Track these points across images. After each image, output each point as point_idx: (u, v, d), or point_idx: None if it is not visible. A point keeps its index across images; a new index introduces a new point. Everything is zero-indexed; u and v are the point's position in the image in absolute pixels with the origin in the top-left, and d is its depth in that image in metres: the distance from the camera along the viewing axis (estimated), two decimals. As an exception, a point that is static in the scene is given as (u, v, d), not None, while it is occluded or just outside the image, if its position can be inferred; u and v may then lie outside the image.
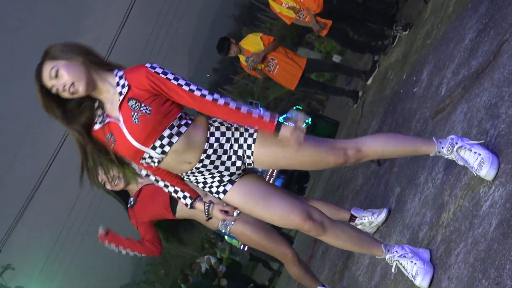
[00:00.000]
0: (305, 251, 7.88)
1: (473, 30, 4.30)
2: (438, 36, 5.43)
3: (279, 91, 23.94)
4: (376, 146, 3.02)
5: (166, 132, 2.84)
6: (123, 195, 4.45)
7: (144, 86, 2.84)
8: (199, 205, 3.09)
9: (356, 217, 4.51)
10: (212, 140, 2.92)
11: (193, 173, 2.97)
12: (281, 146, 2.90)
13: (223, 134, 2.93)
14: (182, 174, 3.01)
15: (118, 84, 2.87)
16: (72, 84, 2.80)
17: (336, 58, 17.41)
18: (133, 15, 17.26)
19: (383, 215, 4.39)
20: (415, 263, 3.00)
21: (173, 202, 4.30)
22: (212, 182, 3.00)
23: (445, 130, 3.85)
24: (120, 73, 2.89)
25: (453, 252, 2.82)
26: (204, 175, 2.98)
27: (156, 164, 2.92)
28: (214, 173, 2.98)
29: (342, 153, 2.96)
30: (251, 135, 2.93)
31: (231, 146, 2.93)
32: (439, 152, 3.02)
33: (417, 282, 2.95)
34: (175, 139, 2.86)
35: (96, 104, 2.93)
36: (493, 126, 3.04)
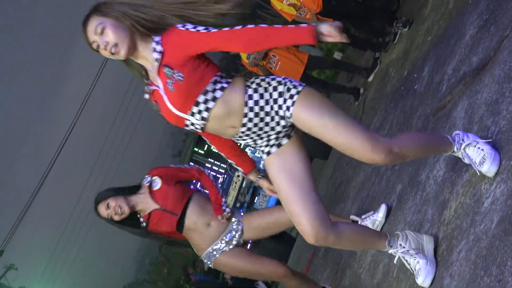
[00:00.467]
0: (308, 249, 7.89)
1: (474, 26, 4.30)
2: (439, 32, 5.43)
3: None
4: (413, 147, 2.89)
5: (201, 98, 2.81)
6: (132, 218, 4.43)
7: (176, 49, 2.83)
8: (252, 177, 3.24)
9: (357, 221, 4.53)
10: (251, 103, 2.85)
11: (240, 137, 2.93)
12: (323, 114, 2.80)
13: (261, 96, 2.86)
14: (233, 138, 2.99)
15: (154, 49, 2.86)
16: (115, 44, 2.82)
17: (337, 55, 17.39)
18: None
19: (382, 210, 4.39)
20: (418, 261, 3.00)
21: (179, 225, 4.34)
22: (262, 142, 2.96)
23: (446, 127, 3.85)
24: (158, 38, 2.87)
25: (455, 249, 2.82)
26: (252, 137, 2.93)
27: (200, 129, 2.92)
28: (261, 134, 2.91)
29: (386, 150, 2.79)
30: (291, 96, 2.82)
31: (272, 108, 2.85)
32: (454, 151, 3.00)
33: (419, 281, 2.95)
34: (211, 104, 2.82)
35: (143, 73, 2.96)
36: (494, 122, 3.04)
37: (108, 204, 4.30)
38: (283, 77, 2.91)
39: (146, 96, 2.97)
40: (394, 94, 6.32)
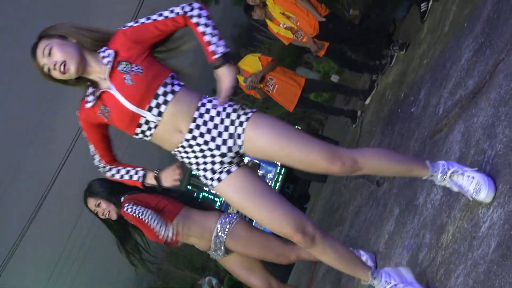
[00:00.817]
0: (306, 272, 7.84)
1: (469, 49, 4.31)
2: (435, 55, 5.45)
3: (279, 111, 23.97)
4: (373, 160, 2.88)
5: (161, 90, 2.81)
6: (118, 222, 4.45)
7: (129, 45, 2.86)
8: (149, 179, 3.08)
9: None
10: (202, 109, 2.85)
11: (184, 147, 2.87)
12: (275, 132, 2.80)
13: (214, 106, 2.86)
14: (174, 151, 2.92)
15: (103, 57, 2.88)
16: (64, 62, 2.82)
17: (334, 78, 17.47)
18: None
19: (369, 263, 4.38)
20: None
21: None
22: (205, 164, 2.89)
23: (443, 150, 3.84)
24: (104, 48, 2.90)
25: (452, 274, 2.80)
26: (195, 152, 2.87)
27: (152, 131, 2.86)
28: (205, 152, 2.86)
29: (339, 161, 2.79)
30: (246, 113, 2.84)
31: (222, 121, 2.84)
32: (431, 176, 2.97)
33: None
34: (169, 97, 2.82)
35: (88, 84, 2.95)
36: (491, 146, 3.03)
37: (99, 203, 4.34)
38: (239, 105, 2.91)
39: (89, 104, 2.91)
40: (391, 117, 6.33)
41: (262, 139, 2.81)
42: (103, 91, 2.88)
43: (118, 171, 3.13)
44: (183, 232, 4.12)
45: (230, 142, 2.85)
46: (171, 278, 51.25)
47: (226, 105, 2.87)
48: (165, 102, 2.82)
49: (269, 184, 3.03)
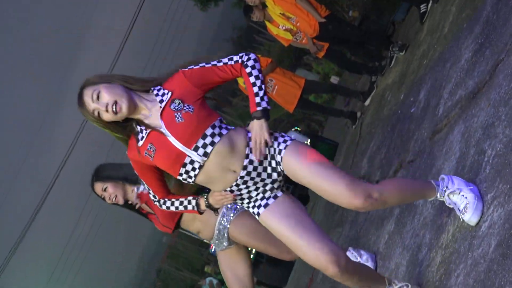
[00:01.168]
0: (306, 273, 7.84)
1: (469, 50, 4.32)
2: (435, 56, 5.46)
3: (278, 113, 23.98)
4: (394, 193, 2.91)
5: (209, 131, 2.83)
6: (127, 206, 4.46)
7: (187, 87, 2.88)
8: (201, 201, 3.09)
9: None
10: (251, 144, 2.89)
11: (237, 185, 2.90)
12: (307, 159, 2.87)
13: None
14: (227, 190, 2.94)
15: (157, 95, 2.90)
16: (115, 102, 2.82)
17: (334, 79, 17.47)
18: (130, 40, 17.30)
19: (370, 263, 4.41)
20: None
21: (176, 228, 4.37)
22: (257, 194, 2.95)
23: (443, 150, 3.85)
24: (158, 87, 2.92)
25: (452, 273, 2.81)
26: (248, 187, 2.92)
27: (196, 172, 2.86)
28: (257, 183, 2.92)
29: (365, 195, 2.82)
30: (285, 141, 2.91)
31: (268, 151, 2.90)
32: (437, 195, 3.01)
33: None
34: (217, 139, 2.83)
35: (135, 124, 2.95)
36: (491, 146, 3.04)
37: (106, 188, 4.33)
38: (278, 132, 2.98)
39: (140, 143, 2.93)
40: (391, 118, 6.33)
41: (296, 164, 2.88)
42: (151, 130, 2.89)
43: (172, 203, 3.14)
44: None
45: (279, 168, 2.92)
46: (171, 279, 51.24)
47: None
48: (212, 143, 2.83)
49: (305, 210, 3.08)
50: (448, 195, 2.95)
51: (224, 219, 4.34)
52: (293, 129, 12.06)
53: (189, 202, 3.11)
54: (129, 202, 4.40)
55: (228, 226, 4.31)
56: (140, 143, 2.91)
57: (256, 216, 2.97)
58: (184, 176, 2.87)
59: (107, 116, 2.84)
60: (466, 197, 2.87)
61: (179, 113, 2.83)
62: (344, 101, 13.76)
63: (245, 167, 2.87)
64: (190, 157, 2.83)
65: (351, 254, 4.44)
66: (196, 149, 2.82)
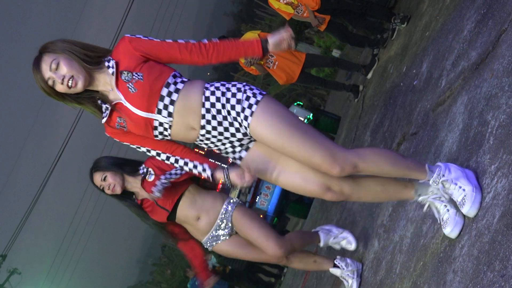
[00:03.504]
0: (310, 247, 7.86)
1: (472, 21, 4.28)
2: (437, 27, 5.42)
3: (280, 88, 23.93)
4: (373, 166, 2.92)
5: (164, 91, 2.84)
6: (126, 195, 4.44)
7: (130, 54, 2.87)
8: (219, 174, 3.06)
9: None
10: (207, 104, 2.88)
11: (202, 140, 2.95)
12: (277, 126, 2.83)
13: (218, 99, 2.88)
14: (196, 143, 2.99)
15: (108, 67, 2.89)
16: (72, 77, 2.84)
17: (335, 53, 17.39)
18: (130, 16, 17.24)
19: (353, 245, 4.50)
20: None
21: (170, 217, 4.34)
22: (226, 148, 2.98)
23: (446, 122, 3.84)
24: (108, 57, 2.92)
25: (457, 245, 2.81)
26: (213, 141, 2.95)
27: (168, 131, 2.91)
28: (222, 140, 2.94)
29: (338, 166, 2.83)
30: (250, 106, 2.85)
31: (229, 113, 2.87)
32: (428, 179, 2.98)
33: None
34: (175, 96, 2.85)
35: (98, 97, 2.95)
36: (494, 117, 3.03)
37: (105, 177, 4.32)
38: (244, 83, 2.93)
39: (104, 119, 2.96)
40: (393, 90, 6.31)
41: (266, 132, 2.85)
42: (116, 103, 2.91)
43: (186, 164, 3.12)
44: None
45: (243, 130, 2.89)
46: (176, 255, 51.53)
47: (230, 96, 2.88)
48: (172, 102, 2.85)
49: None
50: (442, 183, 2.91)
51: (229, 207, 4.37)
52: (295, 104, 12.03)
53: (204, 170, 3.08)
54: (131, 191, 4.40)
55: (233, 212, 4.34)
56: (106, 119, 2.96)
57: (239, 160, 3.02)
58: (160, 137, 2.95)
59: (60, 88, 2.85)
60: (464, 189, 2.83)
61: (130, 84, 2.85)
62: (346, 75, 13.71)
63: (203, 127, 2.89)
64: (157, 120, 2.88)
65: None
66: (159, 112, 2.86)
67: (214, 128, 2.89)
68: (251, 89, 2.89)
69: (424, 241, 3.30)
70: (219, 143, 2.95)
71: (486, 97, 3.28)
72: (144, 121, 2.87)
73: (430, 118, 4.33)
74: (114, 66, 2.87)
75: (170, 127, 2.90)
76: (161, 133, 2.93)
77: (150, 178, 4.36)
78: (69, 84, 2.84)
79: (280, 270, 13.99)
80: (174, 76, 2.89)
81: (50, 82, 2.86)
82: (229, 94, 2.87)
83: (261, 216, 10.46)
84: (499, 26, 3.60)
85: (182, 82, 2.90)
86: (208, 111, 2.87)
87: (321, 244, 4.66)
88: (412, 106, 5.09)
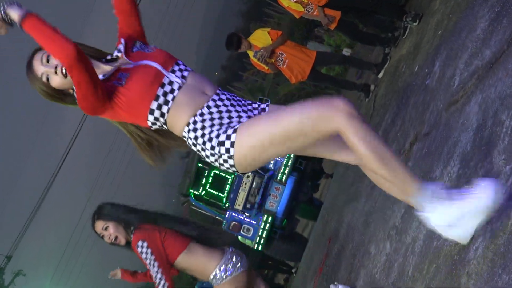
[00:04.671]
0: (320, 249, 7.87)
1: (485, 19, 4.28)
2: (450, 26, 5.41)
3: (290, 87, 23.94)
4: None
5: (180, 61, 2.88)
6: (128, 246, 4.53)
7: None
8: None
9: None
10: (219, 92, 2.89)
11: (209, 107, 2.77)
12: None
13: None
14: (195, 115, 2.78)
15: (109, 60, 2.91)
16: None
17: (346, 52, 17.37)
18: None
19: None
20: None
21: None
22: (230, 118, 2.79)
23: (460, 122, 3.83)
24: (108, 56, 2.95)
25: (471, 247, 2.81)
26: (222, 111, 2.79)
27: (175, 94, 2.77)
28: (231, 110, 2.81)
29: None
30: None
31: (245, 104, 2.88)
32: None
33: None
34: (189, 68, 2.88)
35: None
36: (509, 116, 3.02)
37: (107, 227, 4.34)
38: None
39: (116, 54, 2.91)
40: (405, 90, 6.30)
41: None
42: (120, 68, 2.86)
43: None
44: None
45: (255, 112, 2.86)
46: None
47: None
48: (186, 70, 2.85)
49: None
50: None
51: (219, 275, 4.44)
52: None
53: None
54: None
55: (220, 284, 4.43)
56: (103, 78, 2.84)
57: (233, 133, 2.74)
58: (161, 99, 2.77)
59: (56, 80, 2.80)
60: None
61: (146, 49, 2.89)
62: (356, 74, 13.68)
63: (217, 94, 2.83)
64: (169, 78, 2.79)
65: None
66: (173, 71, 2.81)
67: (228, 99, 2.84)
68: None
69: (437, 243, 3.30)
70: (226, 115, 2.78)
71: (500, 97, 3.27)
72: (155, 73, 2.78)
73: (443, 118, 4.33)
74: (123, 44, 2.91)
75: (179, 88, 2.79)
76: (165, 93, 2.77)
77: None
78: (63, 71, 2.77)
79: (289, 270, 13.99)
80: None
81: (44, 78, 2.80)
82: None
83: (270, 217, 10.47)
84: (513, 24, 3.60)
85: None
86: (217, 94, 2.85)
87: None
88: (425, 105, 5.09)
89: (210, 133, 2.72)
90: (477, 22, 4.45)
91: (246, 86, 38.19)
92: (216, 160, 2.75)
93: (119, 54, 2.89)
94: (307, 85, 24.19)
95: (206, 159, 2.81)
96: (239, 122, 2.75)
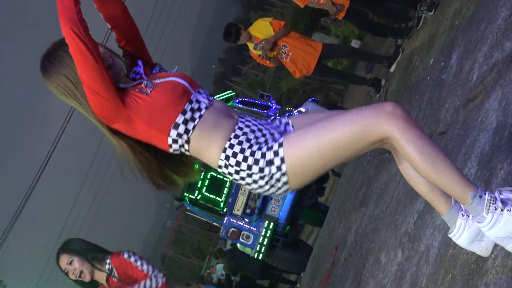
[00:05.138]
0: (327, 258, 7.89)
1: (506, 8, 4.29)
2: (468, 15, 5.42)
3: (293, 81, 23.94)
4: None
5: (202, 89, 2.94)
6: (92, 285, 4.60)
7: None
8: None
9: None
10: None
11: (241, 128, 2.80)
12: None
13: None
14: (230, 138, 2.78)
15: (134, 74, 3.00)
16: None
17: (355, 43, 17.39)
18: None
19: None
20: None
21: None
22: (264, 136, 2.79)
23: (478, 120, 3.84)
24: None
25: (489, 256, 2.82)
26: (254, 131, 2.81)
27: (202, 112, 2.79)
28: (261, 128, 2.83)
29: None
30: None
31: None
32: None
33: None
34: (211, 97, 2.92)
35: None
36: (531, 114, 3.04)
37: (72, 261, 4.43)
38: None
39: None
40: (419, 85, 6.32)
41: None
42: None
43: None
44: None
45: (281, 128, 2.90)
46: (177, 266, 51.62)
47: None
48: (210, 95, 2.91)
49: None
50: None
51: None
52: (310, 100, 12.02)
53: None
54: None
55: None
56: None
57: (276, 156, 2.72)
58: (188, 114, 2.78)
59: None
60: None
61: (168, 70, 2.98)
62: (366, 68, 13.69)
63: (241, 116, 2.88)
64: (196, 97, 2.84)
65: None
66: (199, 93, 2.87)
67: (254, 119, 2.89)
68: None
69: (453, 251, 3.31)
70: (259, 134, 2.79)
71: (522, 93, 3.29)
72: (184, 89, 2.82)
73: (460, 115, 4.34)
74: (140, 64, 3.00)
75: (206, 108, 2.81)
76: (192, 110, 2.79)
77: (115, 278, 4.51)
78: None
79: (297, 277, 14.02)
80: None
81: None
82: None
83: (272, 223, 10.48)
84: (537, 13, 3.61)
85: None
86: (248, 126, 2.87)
87: None
88: (440, 102, 5.10)
89: (253, 155, 2.72)
90: (498, 11, 4.46)
91: (246, 80, 38.15)
92: (267, 183, 2.74)
93: (139, 76, 2.95)
94: (312, 80, 24.20)
95: (253, 186, 2.79)
96: (274, 139, 2.76)
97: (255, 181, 2.76)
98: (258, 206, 10.52)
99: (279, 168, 2.69)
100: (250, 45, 8.25)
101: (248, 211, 10.56)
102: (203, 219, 11.68)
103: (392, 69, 8.50)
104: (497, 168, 3.19)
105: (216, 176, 10.92)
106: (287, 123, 2.90)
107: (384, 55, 9.33)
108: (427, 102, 5.65)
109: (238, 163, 2.74)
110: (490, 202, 2.51)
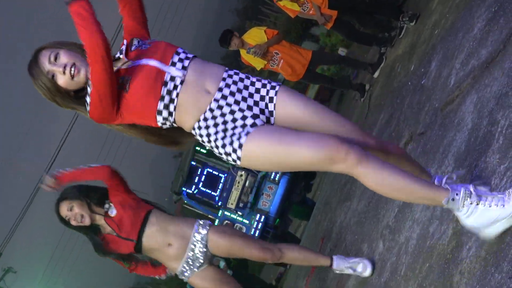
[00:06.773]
0: (313, 249, 7.87)
1: (482, 19, 4.28)
2: (446, 26, 5.42)
3: (286, 84, 23.87)
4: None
5: (180, 50, 2.82)
6: (92, 229, 4.42)
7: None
8: None
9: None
10: (230, 72, 2.82)
11: (212, 110, 2.70)
12: (305, 99, 2.79)
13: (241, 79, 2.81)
14: (199, 120, 2.72)
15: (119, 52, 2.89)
16: (73, 64, 2.74)
17: (341, 51, 17.37)
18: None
19: (368, 271, 4.33)
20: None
21: (137, 248, 4.36)
22: (235, 124, 2.69)
23: (455, 122, 3.84)
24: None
25: (464, 246, 2.81)
26: (224, 114, 2.70)
27: (178, 90, 2.71)
28: (235, 112, 2.71)
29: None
30: (273, 87, 2.80)
31: (253, 83, 2.79)
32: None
33: None
34: (190, 55, 2.81)
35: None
36: (504, 116, 3.03)
37: (72, 207, 4.27)
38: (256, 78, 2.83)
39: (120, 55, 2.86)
40: (401, 89, 6.31)
41: (295, 102, 2.77)
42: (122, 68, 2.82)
43: None
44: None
45: (262, 105, 2.76)
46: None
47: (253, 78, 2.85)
48: (187, 58, 2.78)
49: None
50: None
51: (201, 229, 4.37)
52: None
53: None
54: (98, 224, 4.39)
55: (207, 233, 4.35)
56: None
57: (239, 143, 2.66)
58: (166, 98, 2.71)
59: (62, 80, 2.75)
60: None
61: (144, 45, 2.84)
62: (352, 74, 13.69)
63: (220, 89, 2.74)
64: (170, 73, 2.73)
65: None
66: (173, 64, 2.75)
67: (232, 94, 2.74)
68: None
69: (431, 242, 3.30)
70: (229, 117, 2.70)
71: (496, 96, 3.28)
72: (156, 71, 2.72)
73: (439, 117, 4.33)
74: (124, 42, 2.89)
75: (181, 82, 2.71)
76: (169, 92, 2.71)
77: (112, 213, 4.34)
78: (72, 72, 2.73)
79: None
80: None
81: (49, 76, 2.75)
82: (248, 82, 2.81)
83: (263, 216, 10.48)
84: (510, 24, 3.60)
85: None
86: (230, 76, 2.79)
87: (334, 267, 4.67)
88: (420, 105, 5.09)
89: (216, 141, 2.70)
90: (474, 22, 4.45)
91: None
92: (222, 154, 2.73)
93: (121, 56, 2.85)
94: (301, 86, 24.18)
95: (214, 150, 2.78)
96: (244, 125, 2.68)
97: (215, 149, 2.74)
98: (250, 200, 10.51)
99: (235, 152, 2.66)
100: (243, 52, 8.22)
101: (241, 205, 10.55)
102: (200, 212, 11.64)
103: (376, 75, 8.50)
104: (472, 166, 3.18)
105: (212, 172, 10.91)
106: (274, 87, 2.80)
107: (368, 62, 9.33)
108: (408, 105, 5.64)
109: (203, 140, 2.75)
110: (465, 198, 2.51)
